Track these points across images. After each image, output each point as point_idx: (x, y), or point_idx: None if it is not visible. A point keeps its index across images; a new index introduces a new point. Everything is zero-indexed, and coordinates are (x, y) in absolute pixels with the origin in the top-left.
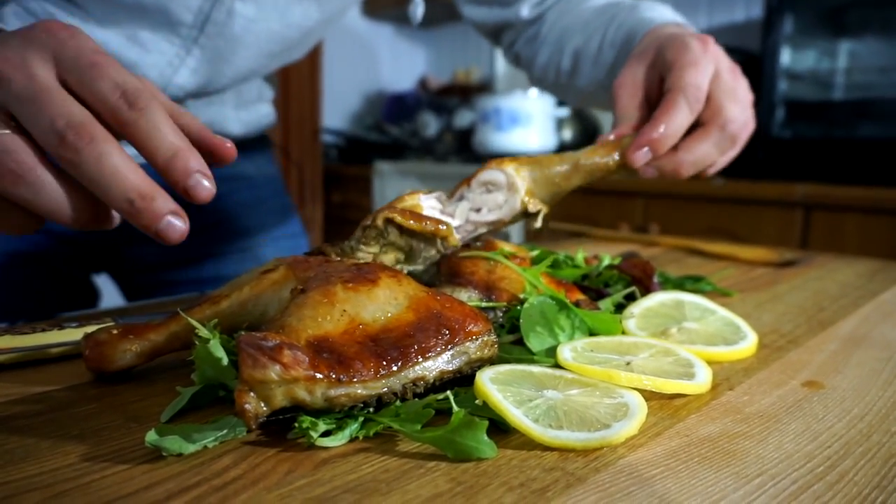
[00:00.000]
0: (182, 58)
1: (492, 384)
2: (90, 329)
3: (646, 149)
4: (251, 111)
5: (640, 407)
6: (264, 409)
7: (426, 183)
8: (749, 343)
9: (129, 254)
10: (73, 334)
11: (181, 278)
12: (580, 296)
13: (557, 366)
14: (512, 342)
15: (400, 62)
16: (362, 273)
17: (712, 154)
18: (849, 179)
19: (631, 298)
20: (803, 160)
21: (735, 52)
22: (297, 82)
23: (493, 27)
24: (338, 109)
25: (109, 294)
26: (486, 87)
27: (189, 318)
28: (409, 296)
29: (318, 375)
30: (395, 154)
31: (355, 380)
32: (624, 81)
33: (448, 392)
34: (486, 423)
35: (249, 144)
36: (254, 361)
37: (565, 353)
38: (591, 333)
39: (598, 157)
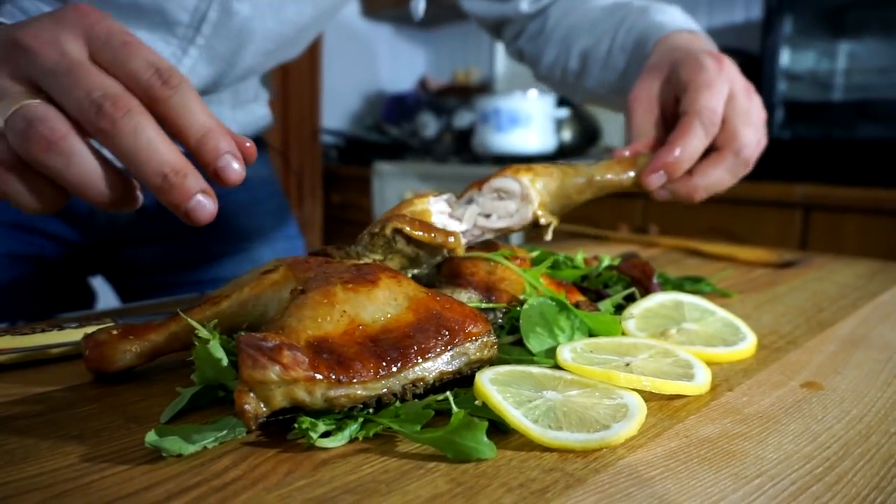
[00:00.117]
0: (179, 58)
1: (491, 385)
2: (90, 329)
3: (661, 172)
4: (248, 112)
5: (639, 408)
6: (264, 409)
7: (426, 183)
8: (748, 344)
9: (126, 256)
10: (73, 335)
11: (177, 280)
12: (580, 297)
13: (557, 367)
14: (511, 343)
15: (399, 62)
16: (362, 274)
17: (726, 179)
18: (848, 180)
19: (630, 299)
20: (803, 161)
21: (734, 53)
22: (296, 82)
23: (494, 21)
24: (337, 110)
25: (106, 296)
26: (485, 87)
27: (189, 319)
28: (409, 297)
29: (318, 376)
30: (394, 154)
31: (355, 380)
32: (639, 96)
33: (448, 393)
34: (486, 423)
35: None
36: (253, 362)
37: (565, 353)
38: (591, 334)
39: (613, 175)
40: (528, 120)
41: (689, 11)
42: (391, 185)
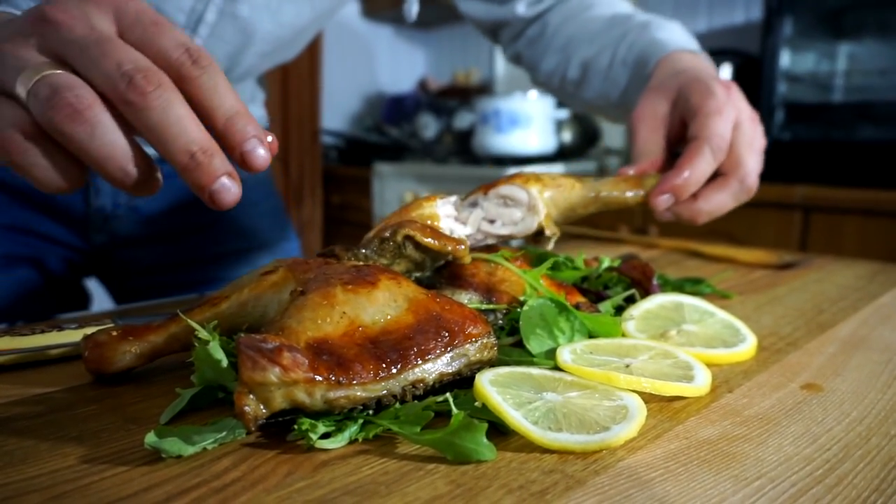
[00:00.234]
0: None
1: (491, 386)
2: (90, 330)
3: (669, 194)
4: None
5: (639, 409)
6: (264, 411)
7: (425, 184)
8: (748, 345)
9: (122, 257)
10: (73, 336)
11: (173, 281)
12: (580, 298)
13: (557, 368)
14: (511, 344)
15: (399, 63)
16: (362, 275)
17: (729, 204)
18: (848, 181)
19: (630, 301)
20: (802, 162)
21: (734, 55)
22: (296, 83)
23: (491, 24)
24: (337, 111)
25: (100, 298)
26: (485, 88)
27: (188, 320)
28: (409, 298)
29: (318, 378)
30: (394, 155)
31: (355, 382)
32: (643, 114)
33: (447, 394)
34: (486, 425)
35: None
36: (253, 363)
37: (565, 355)
38: (591, 336)
39: (619, 192)
40: (529, 121)
41: (690, 12)
42: (391, 185)
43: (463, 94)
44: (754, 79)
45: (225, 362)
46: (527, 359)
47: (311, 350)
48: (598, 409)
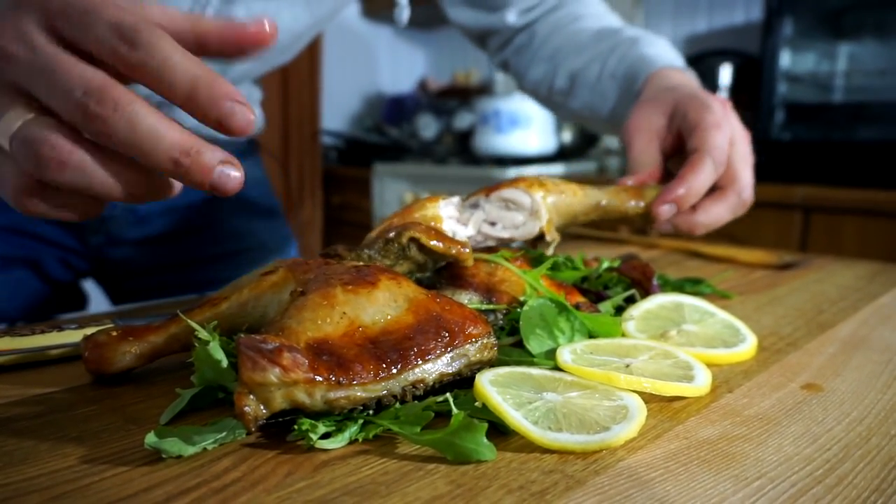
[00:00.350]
0: None
1: (491, 386)
2: (90, 331)
3: (672, 204)
4: None
5: (639, 409)
6: (264, 411)
7: (425, 185)
8: (748, 346)
9: (119, 258)
10: (73, 336)
11: (170, 282)
12: (580, 298)
13: (557, 368)
14: (511, 344)
15: (399, 64)
16: (362, 275)
17: (726, 216)
18: (848, 182)
19: (631, 301)
20: (802, 162)
21: (734, 55)
22: (296, 84)
23: (479, 31)
24: (337, 111)
25: (97, 300)
26: (485, 89)
27: (188, 320)
28: (409, 298)
29: (318, 378)
30: (394, 156)
31: (355, 382)
32: (639, 126)
33: (447, 394)
34: (486, 425)
35: (237, 148)
36: (253, 364)
37: (565, 355)
38: (591, 336)
39: (620, 202)
40: (528, 121)
41: (690, 13)
42: (391, 186)
43: (463, 95)
44: (754, 79)
45: (225, 363)
46: (527, 359)
47: (311, 350)
48: (598, 409)
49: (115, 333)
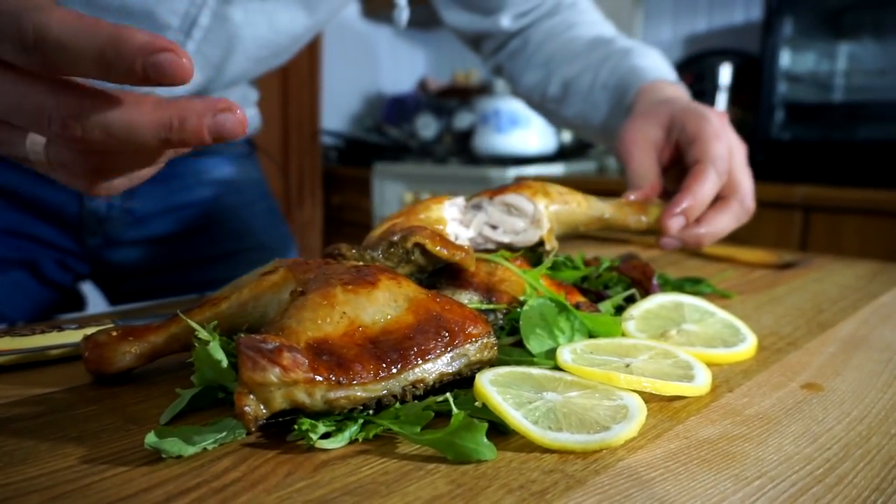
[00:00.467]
0: None
1: (491, 386)
2: (90, 331)
3: (682, 216)
4: None
5: (639, 409)
6: (264, 411)
7: (425, 184)
8: (748, 345)
9: (117, 259)
10: (73, 336)
11: (168, 283)
12: (580, 298)
13: (557, 368)
14: (512, 344)
15: (399, 64)
16: (362, 275)
17: (731, 225)
18: (848, 181)
19: (631, 300)
20: (802, 162)
21: (734, 55)
22: (296, 84)
23: (474, 35)
24: (337, 111)
25: (96, 301)
26: (485, 88)
27: (189, 320)
28: (409, 298)
29: (318, 378)
30: (394, 156)
31: (355, 382)
32: (635, 138)
33: (447, 394)
34: (486, 425)
35: (235, 148)
36: (253, 364)
37: (565, 355)
38: (591, 335)
39: (623, 216)
40: (528, 121)
41: (690, 12)
42: (391, 186)
43: (463, 95)
44: (754, 79)
45: (225, 363)
46: (527, 359)
47: (311, 350)
48: (599, 408)
49: (114, 333)
